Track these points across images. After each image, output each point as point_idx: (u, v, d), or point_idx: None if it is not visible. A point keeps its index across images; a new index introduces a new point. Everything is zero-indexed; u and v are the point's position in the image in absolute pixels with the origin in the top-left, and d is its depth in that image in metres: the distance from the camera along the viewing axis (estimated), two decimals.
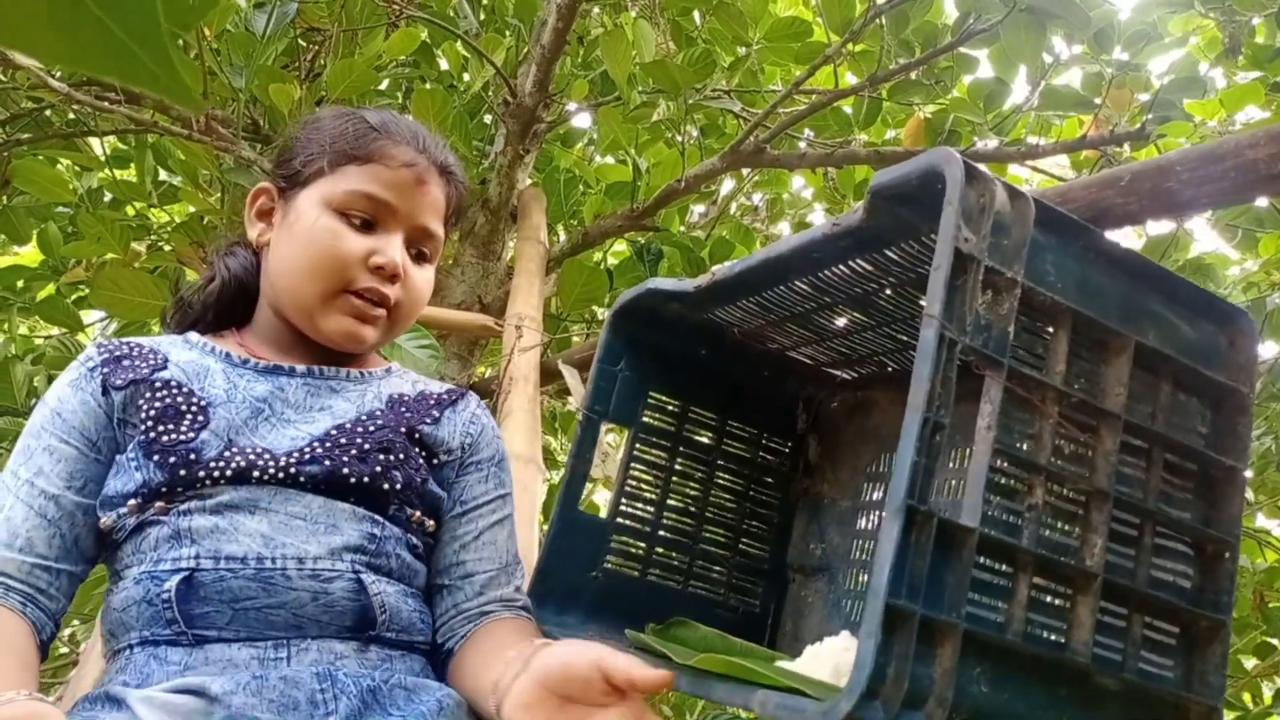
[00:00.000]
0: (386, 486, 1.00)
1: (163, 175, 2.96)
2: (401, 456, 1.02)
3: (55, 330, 3.10)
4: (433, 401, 1.11)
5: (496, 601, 1.06)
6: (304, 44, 2.82)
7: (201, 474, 0.95)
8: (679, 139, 2.81)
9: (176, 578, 0.92)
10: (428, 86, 2.78)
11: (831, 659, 0.91)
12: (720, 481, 1.24)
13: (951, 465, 1.04)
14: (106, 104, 2.43)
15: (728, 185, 3.74)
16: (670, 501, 1.20)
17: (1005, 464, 0.75)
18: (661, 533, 1.20)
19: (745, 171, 3.51)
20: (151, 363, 1.03)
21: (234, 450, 0.97)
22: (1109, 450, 0.80)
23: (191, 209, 2.89)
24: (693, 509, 1.22)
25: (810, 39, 2.90)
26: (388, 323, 1.08)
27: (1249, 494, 2.89)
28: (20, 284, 3.07)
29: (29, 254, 3.32)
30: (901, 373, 1.18)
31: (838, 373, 1.26)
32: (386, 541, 1.00)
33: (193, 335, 1.10)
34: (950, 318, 0.72)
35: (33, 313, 3.05)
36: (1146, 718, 0.80)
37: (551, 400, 3.35)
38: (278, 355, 1.08)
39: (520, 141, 2.85)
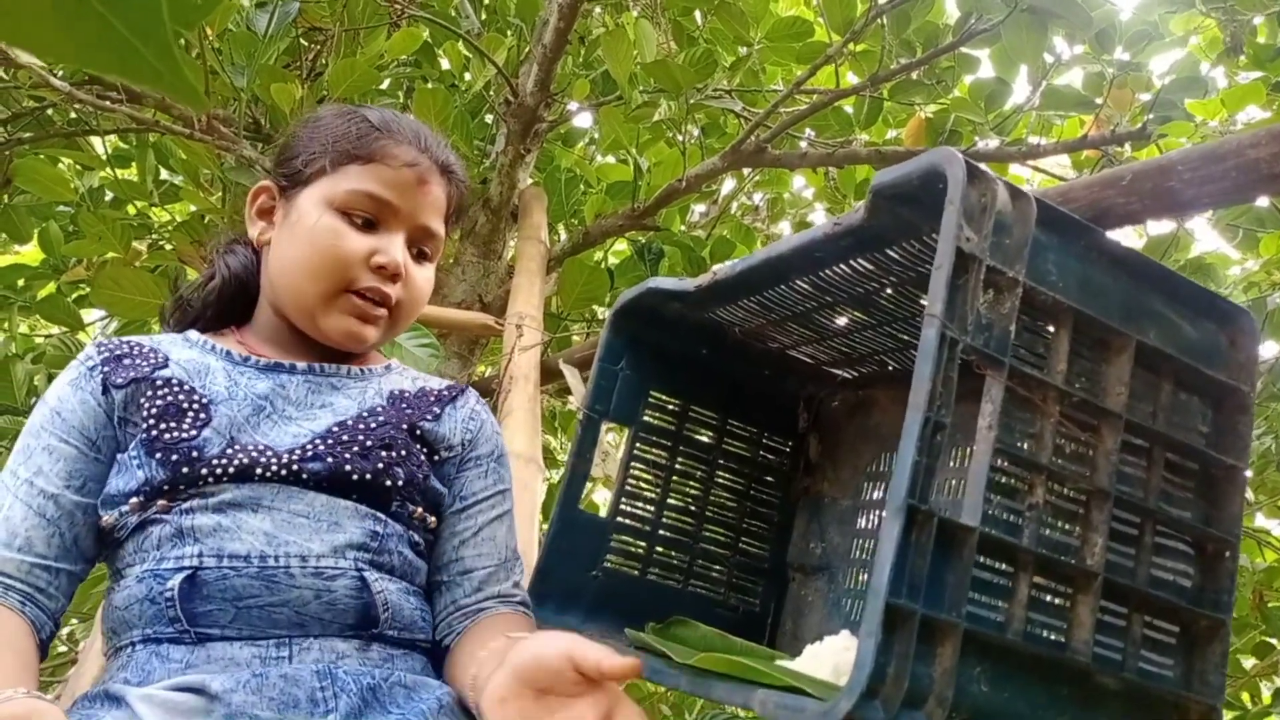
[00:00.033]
0: (389, 483, 1.00)
1: (164, 174, 2.96)
2: (403, 453, 1.03)
3: (55, 329, 3.10)
4: (433, 398, 1.11)
5: (494, 598, 1.06)
6: (306, 43, 2.82)
7: (204, 471, 0.95)
8: (680, 138, 2.81)
9: (179, 576, 0.92)
10: (429, 86, 2.78)
11: (831, 658, 0.91)
12: (721, 480, 1.24)
13: (952, 465, 1.04)
14: (108, 103, 2.43)
15: (729, 185, 3.74)
16: (670, 501, 1.21)
17: (1006, 463, 0.75)
18: (662, 532, 1.20)
19: (746, 171, 3.51)
20: (152, 361, 1.03)
21: (236, 448, 0.97)
22: (1110, 449, 0.80)
23: (193, 208, 2.90)
24: (693, 508, 1.22)
25: (811, 39, 2.90)
26: (389, 322, 1.08)
27: (1249, 494, 2.89)
28: (21, 283, 3.07)
29: (30, 253, 3.33)
30: (902, 372, 1.19)
31: (838, 372, 1.26)
32: (389, 539, 1.00)
33: (192, 333, 1.10)
34: (952, 317, 0.72)
35: (33, 311, 3.05)
36: (1146, 717, 0.80)
37: (552, 399, 3.35)
38: (278, 353, 1.08)
39: (521, 141, 2.85)
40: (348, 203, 1.05)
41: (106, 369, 1.02)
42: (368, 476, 0.99)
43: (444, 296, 2.75)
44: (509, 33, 3.01)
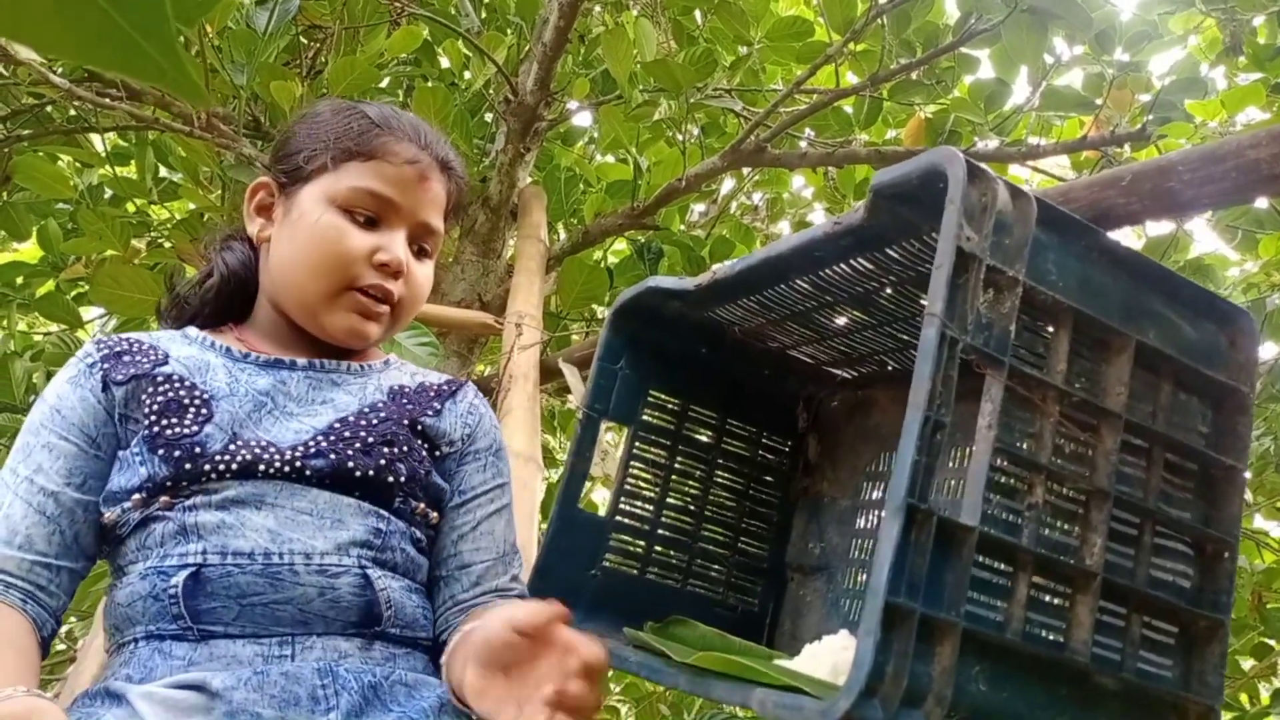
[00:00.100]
0: (391, 479, 1.00)
1: (163, 172, 2.96)
2: (405, 449, 1.03)
3: (55, 327, 3.10)
4: (433, 393, 1.11)
5: (491, 592, 1.06)
6: (305, 41, 2.82)
7: (207, 467, 0.95)
8: (680, 138, 2.81)
9: (184, 573, 0.92)
10: (429, 84, 2.77)
11: (830, 658, 0.91)
12: (720, 480, 1.24)
13: (952, 465, 1.05)
14: (108, 100, 2.43)
15: (728, 184, 3.74)
16: (670, 500, 1.21)
17: (1006, 463, 0.75)
18: (661, 531, 1.20)
19: (746, 171, 3.51)
20: (152, 358, 1.03)
21: (238, 444, 0.97)
22: (1109, 449, 0.80)
23: (192, 206, 2.89)
24: (692, 507, 1.22)
25: (812, 38, 2.90)
26: (391, 318, 1.08)
27: (1248, 495, 2.89)
28: (20, 280, 3.07)
29: (29, 250, 3.32)
30: (902, 372, 1.19)
31: (838, 372, 1.26)
32: (391, 536, 1.00)
33: (191, 330, 1.10)
34: (952, 316, 0.72)
35: (32, 309, 3.05)
36: (1145, 717, 0.80)
37: (551, 398, 3.35)
38: (277, 350, 1.09)
39: (521, 140, 2.85)
40: (350, 200, 1.05)
41: (106, 366, 1.02)
42: (370, 473, 0.99)
43: (443, 295, 2.75)
44: (509, 31, 3.00)
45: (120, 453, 0.99)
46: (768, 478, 1.27)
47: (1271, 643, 2.90)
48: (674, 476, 1.21)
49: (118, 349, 1.04)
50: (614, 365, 1.18)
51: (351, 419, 1.03)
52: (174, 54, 0.29)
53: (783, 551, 1.27)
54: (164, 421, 0.97)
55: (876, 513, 1.18)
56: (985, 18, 2.46)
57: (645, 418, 1.20)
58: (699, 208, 3.84)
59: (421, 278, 1.10)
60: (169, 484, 0.95)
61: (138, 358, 1.03)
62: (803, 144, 3.00)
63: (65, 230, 2.99)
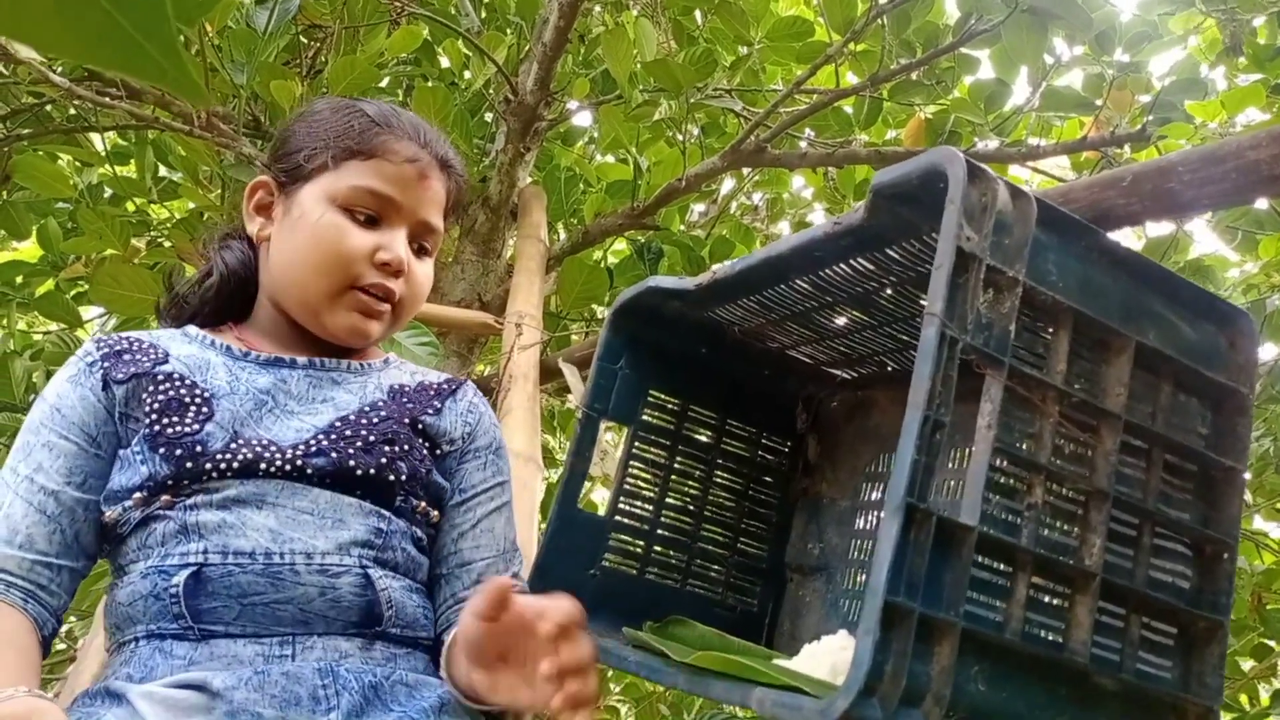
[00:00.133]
0: (392, 477, 1.00)
1: (163, 171, 2.96)
2: (406, 447, 1.03)
3: (54, 326, 3.10)
4: (433, 392, 1.11)
5: None
6: (306, 41, 2.81)
7: (208, 466, 0.95)
8: (680, 138, 2.81)
9: (185, 573, 0.92)
10: (429, 84, 2.77)
11: (829, 657, 0.91)
12: (719, 480, 1.24)
13: (951, 465, 1.05)
14: (108, 99, 2.43)
15: (728, 184, 3.74)
16: (669, 500, 1.21)
17: (1005, 463, 0.75)
18: (660, 531, 1.20)
19: (745, 171, 3.51)
20: (153, 356, 1.03)
21: (240, 442, 0.97)
22: (1109, 450, 0.80)
23: (192, 205, 2.89)
24: (691, 508, 1.22)
25: (812, 39, 2.90)
26: (392, 317, 1.09)
27: (1247, 496, 2.89)
28: (19, 279, 3.07)
29: (28, 249, 3.32)
30: (902, 373, 1.19)
31: (838, 372, 1.26)
32: (392, 536, 1.00)
33: (191, 328, 1.10)
34: (951, 316, 0.72)
35: (32, 308, 3.05)
36: (1144, 718, 0.80)
37: (551, 398, 3.35)
38: (277, 349, 1.09)
39: (521, 139, 2.85)
40: (350, 199, 1.05)
41: (107, 365, 1.02)
42: (371, 471, 0.99)
43: (443, 295, 2.75)
44: (509, 31, 3.00)
45: (121, 451, 0.99)
46: (767, 478, 1.27)
47: (1271, 644, 2.90)
48: (673, 476, 1.21)
49: (118, 348, 1.04)
50: (614, 365, 1.18)
51: (352, 417, 1.03)
52: (175, 54, 0.29)
53: (782, 552, 1.27)
54: (165, 420, 0.97)
55: (876, 513, 1.18)
56: (985, 18, 2.46)
57: (645, 417, 1.20)
58: (699, 208, 3.84)
59: (422, 276, 1.10)
60: (170, 483, 0.95)
61: (138, 356, 1.03)
62: (803, 144, 3.00)
63: (65, 229, 2.99)
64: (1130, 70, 2.68)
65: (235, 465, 0.96)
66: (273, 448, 0.98)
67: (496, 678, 0.88)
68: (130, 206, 2.95)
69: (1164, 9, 2.94)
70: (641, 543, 1.18)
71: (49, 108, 2.90)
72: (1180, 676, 0.83)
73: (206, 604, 0.92)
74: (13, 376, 2.49)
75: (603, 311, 2.99)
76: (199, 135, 2.33)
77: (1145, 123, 2.52)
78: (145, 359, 1.02)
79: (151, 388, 1.00)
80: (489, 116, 3.18)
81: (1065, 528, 0.78)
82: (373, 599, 0.96)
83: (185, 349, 1.05)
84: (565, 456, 1.15)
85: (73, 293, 3.07)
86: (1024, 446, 0.76)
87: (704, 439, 1.24)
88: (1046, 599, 0.77)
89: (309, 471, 0.98)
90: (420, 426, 1.06)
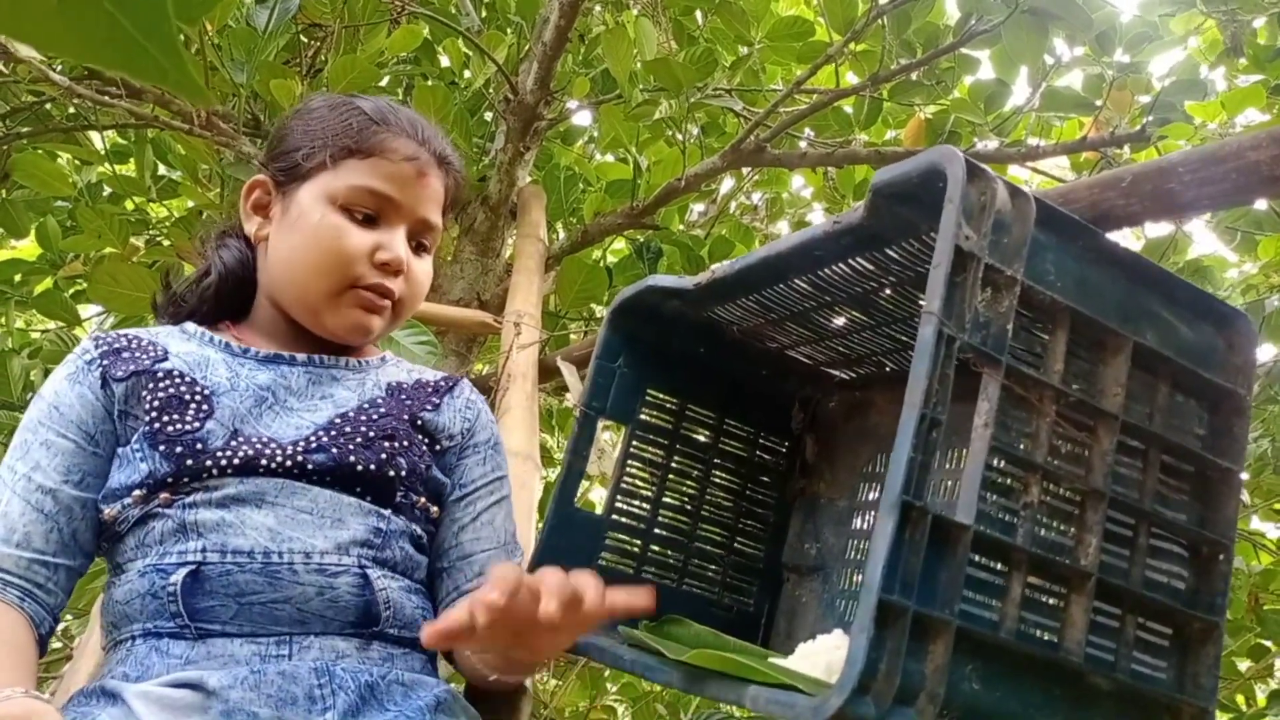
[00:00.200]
0: (392, 474, 1.00)
1: (162, 170, 2.96)
2: (406, 443, 1.03)
3: (52, 324, 3.10)
4: (431, 389, 1.12)
5: None
6: (305, 40, 2.81)
7: (209, 464, 0.95)
8: (680, 137, 2.81)
9: (183, 571, 0.92)
10: (429, 83, 2.77)
11: (824, 656, 0.91)
12: (717, 480, 1.24)
13: (948, 465, 1.05)
14: (107, 98, 2.43)
15: (727, 184, 3.74)
16: (666, 499, 1.21)
17: (1002, 462, 0.75)
18: (657, 530, 1.20)
19: (745, 170, 3.51)
20: (152, 354, 1.03)
21: (240, 440, 0.97)
22: (1106, 450, 0.80)
23: (191, 204, 2.89)
24: (689, 507, 1.22)
25: (812, 39, 2.90)
26: (392, 314, 1.09)
27: (1244, 496, 2.89)
28: (18, 278, 3.07)
29: (27, 248, 3.32)
30: (900, 373, 1.19)
31: (836, 373, 1.27)
32: (391, 535, 1.00)
33: (189, 326, 1.10)
34: (949, 315, 0.72)
35: (30, 307, 3.05)
36: (1139, 718, 0.80)
37: (549, 397, 3.35)
38: (276, 347, 1.09)
39: (521, 139, 2.85)
40: (349, 199, 1.05)
41: (106, 362, 1.02)
42: (371, 468, 0.99)
43: (442, 294, 2.75)
44: (509, 30, 3.00)
45: (120, 449, 0.99)
46: (765, 478, 1.28)
47: (1268, 644, 2.90)
48: (671, 476, 1.21)
49: (116, 345, 1.04)
50: (612, 364, 1.18)
51: (352, 414, 1.03)
52: (175, 53, 0.29)
53: (779, 552, 1.27)
54: (165, 418, 0.98)
55: (873, 514, 1.18)
56: (985, 18, 2.46)
57: (643, 416, 1.20)
58: (698, 207, 3.84)
59: (421, 274, 1.11)
60: (170, 480, 0.95)
61: (137, 354, 1.03)
62: (803, 144, 3.00)
63: (64, 228, 2.99)
64: (1130, 71, 2.68)
65: (235, 463, 0.96)
66: (273, 445, 0.98)
67: (516, 653, 0.93)
68: (129, 205, 2.95)
69: (1164, 10, 2.94)
70: (639, 541, 1.19)
71: (48, 106, 2.90)
72: (1175, 677, 0.83)
73: (204, 603, 0.92)
74: (11, 375, 2.49)
75: (601, 311, 2.99)
76: (199, 134, 2.33)
77: (1145, 123, 2.52)
78: (145, 356, 1.02)
79: (151, 385, 1.00)
80: (489, 116, 3.18)
81: (1061, 527, 0.78)
82: (370, 599, 0.96)
83: (184, 346, 1.05)
84: (563, 455, 1.15)
85: (71, 291, 3.06)
86: (1021, 446, 0.76)
87: (702, 438, 1.24)
88: (1042, 598, 0.77)
89: (309, 468, 0.98)
90: (419, 422, 1.06)
